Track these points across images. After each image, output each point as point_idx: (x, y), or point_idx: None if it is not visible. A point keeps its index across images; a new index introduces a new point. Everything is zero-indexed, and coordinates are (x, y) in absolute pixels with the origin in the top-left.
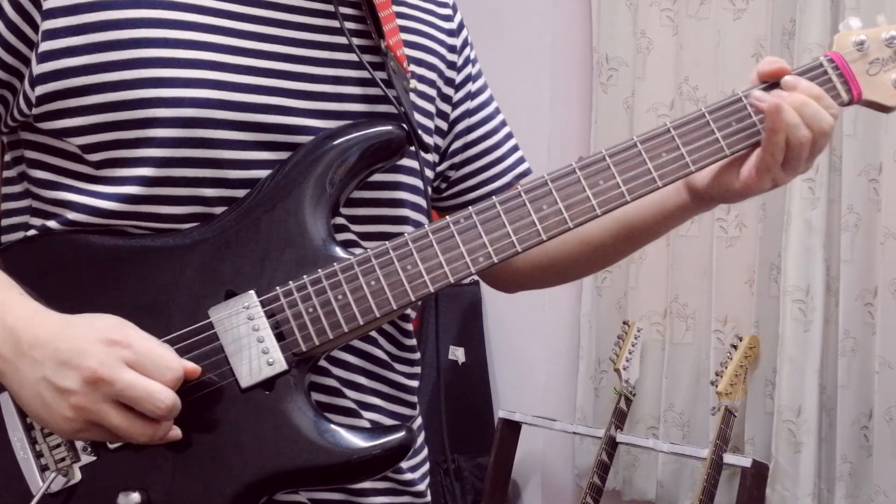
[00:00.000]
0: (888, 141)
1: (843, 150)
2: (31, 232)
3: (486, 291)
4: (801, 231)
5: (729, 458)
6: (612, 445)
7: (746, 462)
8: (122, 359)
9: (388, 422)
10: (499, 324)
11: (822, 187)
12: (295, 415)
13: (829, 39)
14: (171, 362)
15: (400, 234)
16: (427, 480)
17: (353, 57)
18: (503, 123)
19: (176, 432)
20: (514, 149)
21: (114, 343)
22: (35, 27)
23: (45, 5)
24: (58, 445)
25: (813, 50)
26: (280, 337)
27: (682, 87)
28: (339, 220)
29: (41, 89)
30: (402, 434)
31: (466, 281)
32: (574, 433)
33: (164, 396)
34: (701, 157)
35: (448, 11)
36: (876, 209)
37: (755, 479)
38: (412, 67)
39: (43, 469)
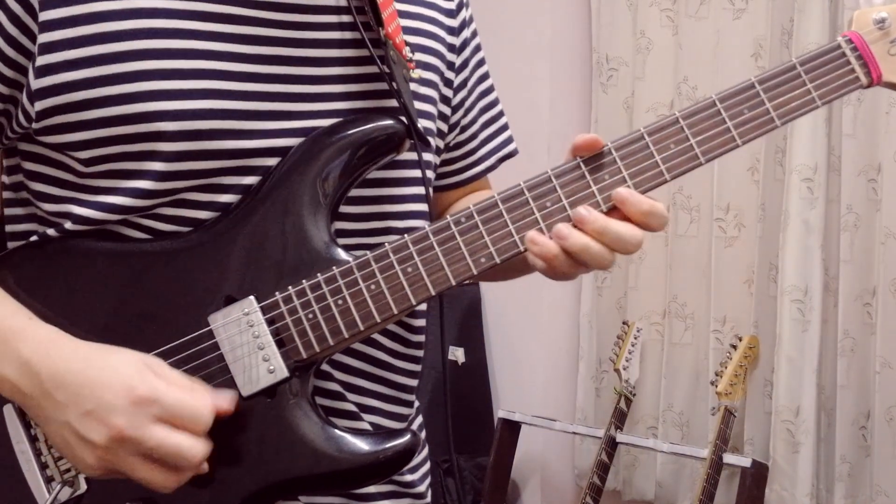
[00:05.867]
0: (888, 141)
1: (842, 150)
2: (34, 238)
3: (486, 291)
4: (799, 231)
5: (729, 458)
6: (611, 445)
7: (746, 462)
8: (150, 416)
9: (387, 423)
10: (499, 324)
11: (820, 187)
12: (298, 421)
13: (827, 39)
14: (201, 414)
15: (406, 230)
16: (427, 481)
17: (353, 52)
18: (490, 106)
19: (203, 468)
20: (501, 130)
21: (141, 401)
22: (33, 38)
23: (42, 17)
24: (63, 457)
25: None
26: (280, 344)
27: (680, 87)
28: (342, 222)
29: (41, 104)
30: (406, 438)
31: (466, 281)
32: (574, 433)
33: (195, 452)
34: (711, 148)
35: (451, 6)
36: (875, 209)
37: (755, 480)
38: (417, 56)
39: (48, 480)
